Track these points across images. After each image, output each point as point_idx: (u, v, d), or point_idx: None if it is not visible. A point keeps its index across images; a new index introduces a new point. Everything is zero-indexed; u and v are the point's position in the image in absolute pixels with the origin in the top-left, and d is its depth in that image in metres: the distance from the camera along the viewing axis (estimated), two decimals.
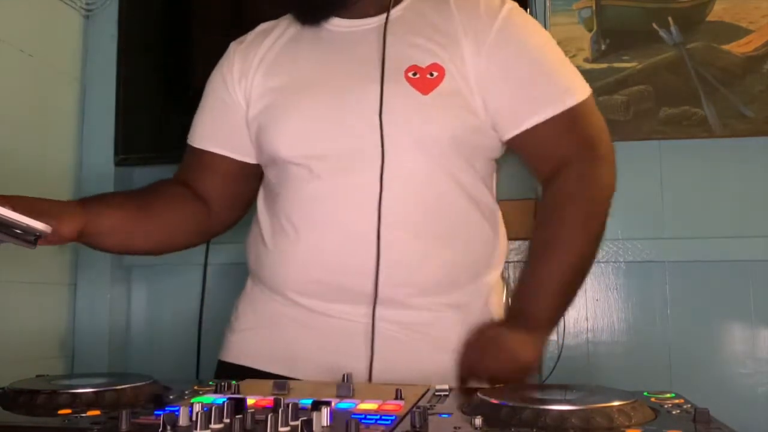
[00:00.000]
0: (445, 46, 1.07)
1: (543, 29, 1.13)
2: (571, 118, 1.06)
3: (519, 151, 1.11)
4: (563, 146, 1.06)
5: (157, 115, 2.01)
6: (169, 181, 1.23)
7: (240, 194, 1.23)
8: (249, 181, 1.22)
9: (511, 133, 1.07)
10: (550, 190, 1.06)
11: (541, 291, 1.00)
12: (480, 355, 0.92)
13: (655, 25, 1.88)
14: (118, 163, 1.97)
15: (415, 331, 1.05)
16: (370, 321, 1.03)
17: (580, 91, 1.08)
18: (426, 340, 1.05)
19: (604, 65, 1.87)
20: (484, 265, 1.10)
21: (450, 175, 1.06)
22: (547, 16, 1.90)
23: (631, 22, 1.90)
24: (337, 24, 1.14)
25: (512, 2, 1.11)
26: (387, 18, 1.09)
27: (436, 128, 1.04)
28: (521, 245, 1.87)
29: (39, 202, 0.99)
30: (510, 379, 0.89)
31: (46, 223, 0.94)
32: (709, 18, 1.87)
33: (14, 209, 0.89)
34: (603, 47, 1.89)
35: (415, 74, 1.05)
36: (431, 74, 1.04)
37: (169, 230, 1.18)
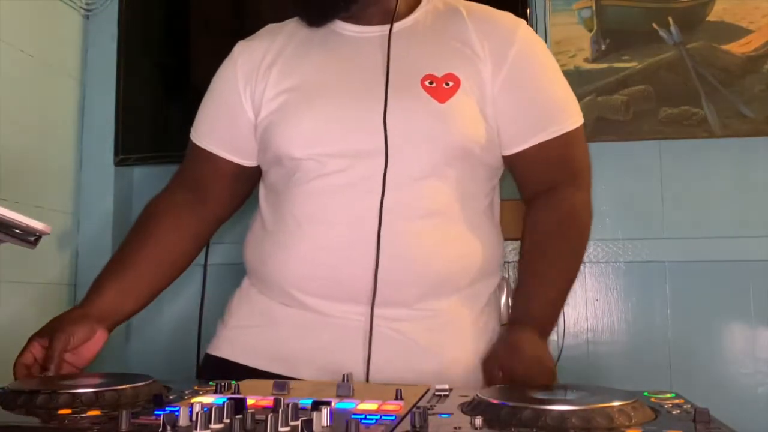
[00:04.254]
0: (461, 57, 1.10)
1: (548, 52, 1.19)
2: (565, 143, 1.12)
3: (514, 167, 1.16)
4: (553, 171, 1.13)
5: (157, 115, 2.02)
6: (163, 207, 1.23)
7: (237, 193, 1.26)
8: (246, 182, 1.24)
9: (511, 150, 1.13)
10: (542, 211, 1.14)
11: (543, 302, 1.08)
12: (509, 361, 0.97)
13: (655, 25, 1.88)
14: (118, 163, 1.97)
15: (409, 331, 1.06)
16: (368, 320, 1.04)
17: (576, 116, 1.14)
18: (420, 341, 1.06)
19: (604, 65, 1.87)
20: (482, 271, 1.12)
21: (455, 181, 1.08)
22: (547, 16, 1.90)
23: (631, 22, 1.90)
24: (346, 29, 1.16)
25: (523, 21, 1.17)
26: (391, 26, 1.12)
27: (448, 136, 1.06)
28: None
29: (70, 336, 1.03)
30: (539, 381, 0.93)
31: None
32: (709, 18, 1.87)
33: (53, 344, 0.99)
34: (603, 47, 1.89)
35: (431, 83, 1.07)
36: (447, 84, 1.08)
37: (175, 268, 1.21)
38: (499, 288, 1.37)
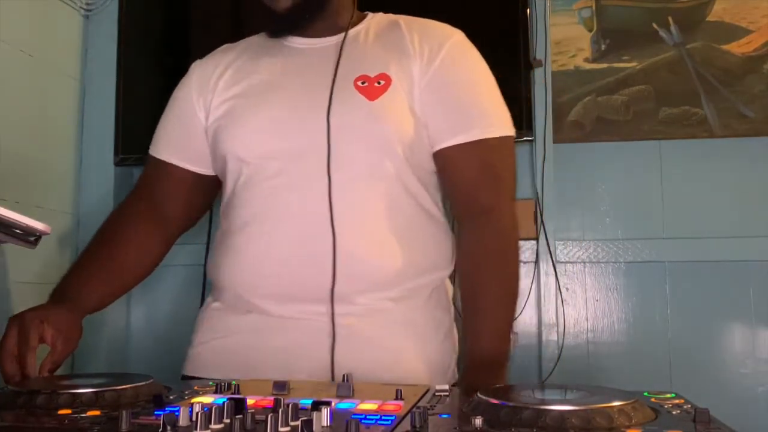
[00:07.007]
0: (394, 59, 1.16)
1: (485, 65, 1.22)
2: (486, 150, 1.14)
3: (440, 171, 1.19)
4: (474, 178, 1.15)
5: (157, 115, 2.01)
6: (125, 215, 1.27)
7: (193, 204, 1.31)
8: (203, 192, 1.30)
9: (435, 147, 1.16)
10: (470, 241, 1.16)
11: (493, 337, 1.11)
12: None
13: (655, 25, 1.88)
14: (118, 163, 1.97)
15: (356, 326, 1.09)
16: (321, 318, 1.08)
17: (500, 126, 1.16)
18: (368, 335, 1.10)
19: (604, 65, 1.87)
20: (426, 267, 1.16)
21: (395, 177, 1.13)
22: (547, 16, 1.90)
23: (631, 22, 1.90)
24: (295, 42, 1.23)
25: (460, 32, 1.21)
26: (346, 33, 1.20)
27: (380, 130, 1.11)
28: (522, 245, 1.87)
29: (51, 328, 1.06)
30: None
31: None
32: (709, 18, 1.87)
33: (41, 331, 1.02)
34: (603, 47, 1.89)
35: (363, 83, 1.13)
36: (378, 82, 1.13)
37: (140, 269, 1.25)
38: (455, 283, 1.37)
